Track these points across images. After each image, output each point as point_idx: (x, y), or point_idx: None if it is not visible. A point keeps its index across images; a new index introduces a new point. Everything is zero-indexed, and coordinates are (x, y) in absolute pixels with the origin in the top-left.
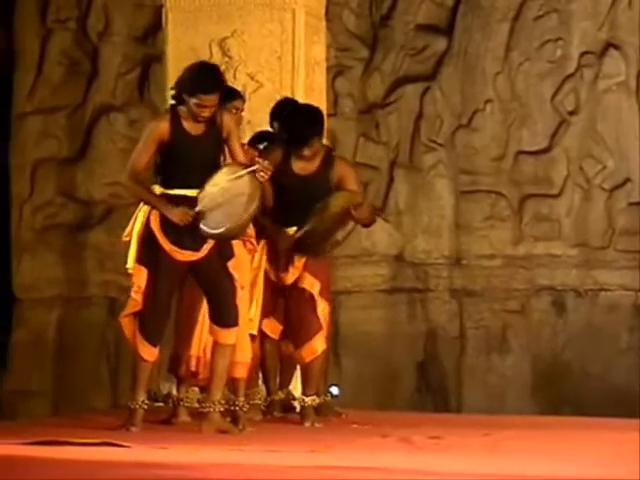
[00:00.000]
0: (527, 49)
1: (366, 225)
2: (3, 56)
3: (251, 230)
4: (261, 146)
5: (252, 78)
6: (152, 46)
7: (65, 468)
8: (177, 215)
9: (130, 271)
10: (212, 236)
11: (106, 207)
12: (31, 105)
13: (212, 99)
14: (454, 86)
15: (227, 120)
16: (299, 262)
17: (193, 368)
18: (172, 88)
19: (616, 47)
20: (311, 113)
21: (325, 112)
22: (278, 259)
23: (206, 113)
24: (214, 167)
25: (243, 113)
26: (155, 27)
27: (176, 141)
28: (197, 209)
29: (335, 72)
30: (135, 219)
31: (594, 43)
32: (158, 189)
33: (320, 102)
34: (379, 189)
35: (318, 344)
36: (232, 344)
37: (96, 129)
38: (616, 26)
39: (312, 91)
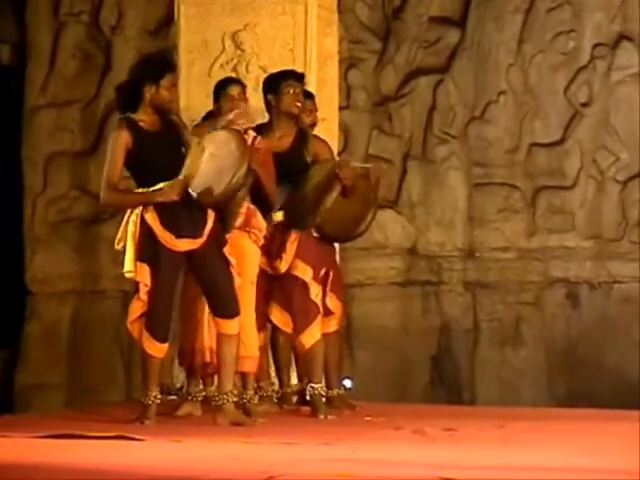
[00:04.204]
0: (540, 41)
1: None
2: (16, 50)
3: (256, 221)
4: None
5: (265, 71)
6: (165, 39)
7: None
8: (170, 191)
9: (128, 275)
10: (207, 196)
11: None
12: (44, 99)
13: (176, 78)
14: (467, 78)
15: (178, 119)
16: (291, 248)
17: (208, 359)
18: (125, 90)
19: (629, 39)
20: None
21: (338, 105)
22: (270, 247)
23: (174, 94)
24: (181, 155)
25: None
26: (168, 20)
27: (141, 143)
28: (189, 186)
29: (348, 65)
30: (126, 224)
31: (607, 35)
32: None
33: (332, 95)
34: (392, 182)
35: (316, 330)
36: (237, 334)
37: (109, 123)
38: (629, 18)
39: (324, 84)
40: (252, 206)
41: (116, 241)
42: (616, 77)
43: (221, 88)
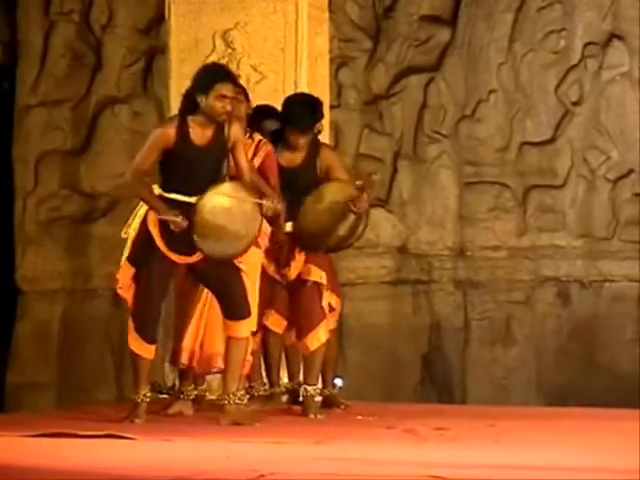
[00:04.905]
0: (531, 40)
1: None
2: (6, 49)
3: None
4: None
5: (255, 70)
6: (155, 38)
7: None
8: (172, 222)
9: None
10: (208, 256)
11: (110, 199)
12: (35, 98)
13: (230, 88)
14: (458, 77)
15: (235, 130)
16: (300, 256)
17: (186, 361)
18: (185, 98)
19: (620, 38)
20: (310, 101)
21: (328, 104)
22: (278, 255)
23: (228, 106)
24: (216, 177)
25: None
26: (158, 19)
27: (180, 149)
28: (194, 217)
29: (339, 63)
30: (134, 217)
31: (598, 34)
32: (157, 190)
33: (323, 93)
34: (383, 180)
35: (322, 333)
36: (246, 337)
37: (100, 121)
38: (619, 17)
39: (315, 82)
40: None
41: (124, 230)
42: (607, 76)
43: None
